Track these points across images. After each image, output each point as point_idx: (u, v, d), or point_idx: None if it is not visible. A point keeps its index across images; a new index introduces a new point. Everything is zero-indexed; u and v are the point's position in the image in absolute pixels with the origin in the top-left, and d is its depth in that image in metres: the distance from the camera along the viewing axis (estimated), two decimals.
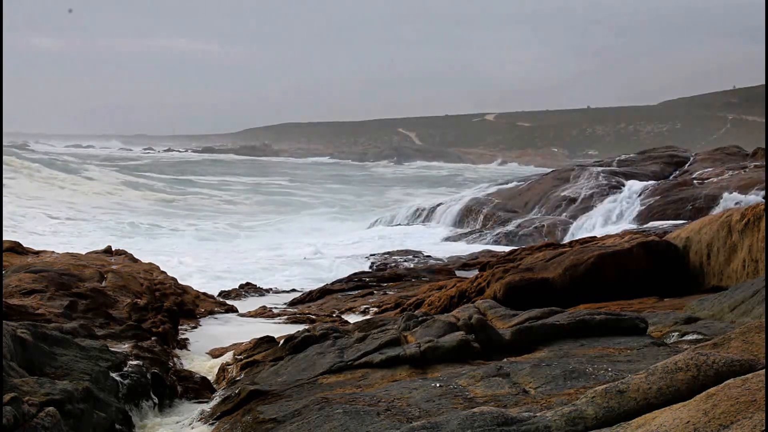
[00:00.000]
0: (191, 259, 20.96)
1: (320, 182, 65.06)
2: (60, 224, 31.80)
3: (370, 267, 19.72)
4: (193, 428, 6.07)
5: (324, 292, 15.71)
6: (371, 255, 21.97)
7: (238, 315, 12.72)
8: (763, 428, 2.90)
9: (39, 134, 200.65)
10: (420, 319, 7.26)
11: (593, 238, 14.03)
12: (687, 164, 27.51)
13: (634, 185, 25.48)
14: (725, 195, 21.84)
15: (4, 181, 40.58)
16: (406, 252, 21.98)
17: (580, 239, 14.61)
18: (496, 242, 23.39)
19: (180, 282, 13.21)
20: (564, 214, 24.88)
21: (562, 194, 26.31)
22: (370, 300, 14.53)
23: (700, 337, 6.35)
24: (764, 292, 6.81)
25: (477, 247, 23.19)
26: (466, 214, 27.14)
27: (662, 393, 3.60)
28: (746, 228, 9.09)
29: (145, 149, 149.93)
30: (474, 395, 5.08)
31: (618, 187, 25.52)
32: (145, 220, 34.49)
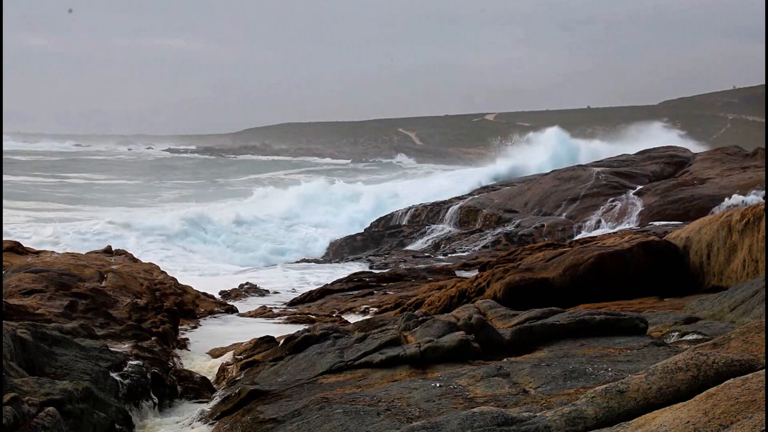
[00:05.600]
0: None
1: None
2: None
3: (370, 267, 19.72)
4: (193, 428, 6.07)
5: (324, 292, 15.71)
6: None
7: (238, 315, 12.72)
8: (763, 428, 2.90)
9: (39, 134, 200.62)
10: (420, 319, 7.26)
11: (593, 238, 14.04)
12: (687, 164, 27.51)
13: (634, 185, 25.51)
14: (725, 195, 21.83)
15: None
16: (406, 253, 21.99)
17: (580, 239, 14.63)
18: (496, 242, 23.37)
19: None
20: (564, 214, 24.88)
21: (562, 194, 26.31)
22: (370, 300, 14.53)
23: (700, 337, 6.35)
24: (764, 292, 6.81)
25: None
26: (465, 215, 27.13)
27: (662, 393, 3.60)
28: (746, 228, 9.09)
29: (145, 149, 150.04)
30: (474, 395, 5.09)
31: (618, 187, 25.52)
32: None
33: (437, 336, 6.58)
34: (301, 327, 9.97)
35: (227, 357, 8.37)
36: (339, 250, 25.72)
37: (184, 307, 11.36)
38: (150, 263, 13.40)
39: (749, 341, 4.03)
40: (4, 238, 12.57)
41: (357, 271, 18.80)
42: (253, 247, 26.51)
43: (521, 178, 32.02)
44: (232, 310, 13.05)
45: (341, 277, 17.99)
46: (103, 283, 10.15)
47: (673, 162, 28.06)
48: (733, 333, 4.20)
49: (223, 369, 7.92)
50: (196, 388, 7.23)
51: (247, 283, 17.02)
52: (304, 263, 21.49)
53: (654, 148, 31.42)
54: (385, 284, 16.33)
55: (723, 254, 9.51)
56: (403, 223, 28.32)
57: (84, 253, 13.10)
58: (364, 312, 13.20)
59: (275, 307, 14.13)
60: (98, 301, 9.04)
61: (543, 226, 23.92)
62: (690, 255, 10.13)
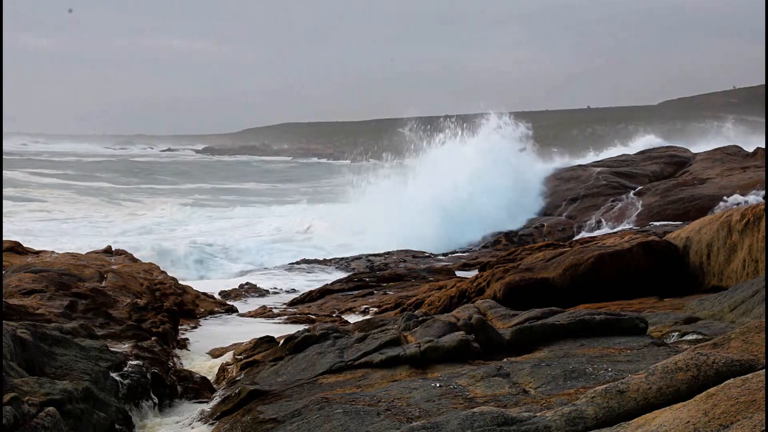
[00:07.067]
0: None
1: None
2: None
3: (369, 267, 19.71)
4: (193, 428, 6.07)
5: (324, 292, 15.71)
6: None
7: (238, 315, 12.72)
8: (763, 428, 2.90)
9: (39, 134, 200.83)
10: (420, 319, 7.26)
11: (593, 238, 14.03)
12: (687, 164, 27.51)
13: (634, 185, 25.52)
14: (725, 195, 21.84)
15: None
16: (406, 252, 21.98)
17: (580, 239, 14.62)
18: (496, 242, 23.36)
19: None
20: (564, 214, 24.89)
21: (562, 194, 26.31)
22: (370, 300, 14.52)
23: (700, 337, 6.35)
24: (764, 292, 6.81)
25: None
26: None
27: (662, 393, 3.60)
28: (746, 228, 9.09)
29: (144, 149, 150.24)
30: (474, 395, 5.08)
31: (618, 187, 25.53)
32: None
33: (437, 336, 6.58)
34: (301, 327, 9.97)
35: (227, 357, 8.37)
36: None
37: (184, 307, 11.36)
38: (150, 263, 13.40)
39: (749, 341, 4.03)
40: (11, 238, 12.57)
41: (357, 271, 18.80)
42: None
43: None
44: (232, 310, 13.05)
45: (341, 277, 18.00)
46: (103, 283, 10.15)
47: (673, 162, 28.07)
48: (733, 333, 4.20)
49: (223, 369, 7.92)
50: (196, 388, 7.23)
51: (246, 283, 17.01)
52: (304, 263, 21.47)
53: (654, 148, 31.44)
54: (385, 284, 16.33)
55: (723, 254, 9.51)
56: None
57: (84, 253, 13.11)
58: (364, 312, 13.20)
59: (275, 307, 14.13)
60: (98, 301, 9.04)
61: (543, 226, 23.92)
62: (690, 255, 10.13)
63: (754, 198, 20.47)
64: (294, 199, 45.12)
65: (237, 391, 6.27)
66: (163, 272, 13.09)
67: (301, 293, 16.07)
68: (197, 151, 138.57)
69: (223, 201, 45.35)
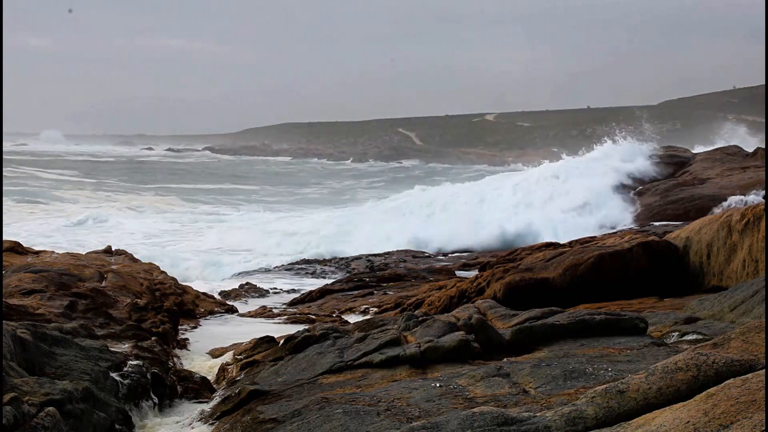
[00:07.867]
0: None
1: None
2: None
3: (369, 267, 19.71)
4: (193, 428, 6.07)
5: (324, 292, 15.71)
6: None
7: (238, 315, 12.72)
8: (763, 428, 2.90)
9: (37, 133, 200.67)
10: (420, 319, 7.26)
11: (593, 238, 14.03)
12: (687, 164, 27.51)
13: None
14: (725, 195, 21.84)
15: None
16: (406, 252, 21.98)
17: (580, 239, 14.61)
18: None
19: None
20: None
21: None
22: (370, 300, 14.52)
23: (700, 337, 6.35)
24: (764, 292, 6.81)
25: None
26: None
27: (662, 393, 3.60)
28: (746, 228, 9.09)
29: (145, 148, 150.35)
30: (474, 395, 5.08)
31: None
32: None
33: (437, 336, 6.58)
34: (301, 327, 9.97)
35: (227, 357, 8.37)
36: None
37: (184, 307, 11.36)
38: (150, 263, 13.40)
39: (749, 341, 4.03)
40: (11, 238, 12.57)
41: (357, 271, 18.79)
42: None
43: None
44: (232, 310, 13.05)
45: (341, 277, 17.99)
46: (103, 283, 10.16)
47: (673, 162, 28.07)
48: (733, 333, 4.20)
49: (223, 369, 7.92)
50: (196, 388, 7.23)
51: (247, 284, 17.01)
52: (304, 263, 21.48)
53: (654, 148, 31.41)
54: (385, 284, 16.32)
55: (723, 254, 9.51)
56: None
57: (84, 253, 13.11)
58: (364, 312, 13.20)
59: (275, 308, 14.13)
60: (98, 301, 9.05)
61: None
62: (690, 255, 10.13)
63: (754, 198, 20.47)
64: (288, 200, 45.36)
65: (237, 391, 6.27)
66: (163, 272, 13.10)
67: (301, 293, 16.07)
68: (199, 151, 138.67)
69: (220, 202, 45.55)
